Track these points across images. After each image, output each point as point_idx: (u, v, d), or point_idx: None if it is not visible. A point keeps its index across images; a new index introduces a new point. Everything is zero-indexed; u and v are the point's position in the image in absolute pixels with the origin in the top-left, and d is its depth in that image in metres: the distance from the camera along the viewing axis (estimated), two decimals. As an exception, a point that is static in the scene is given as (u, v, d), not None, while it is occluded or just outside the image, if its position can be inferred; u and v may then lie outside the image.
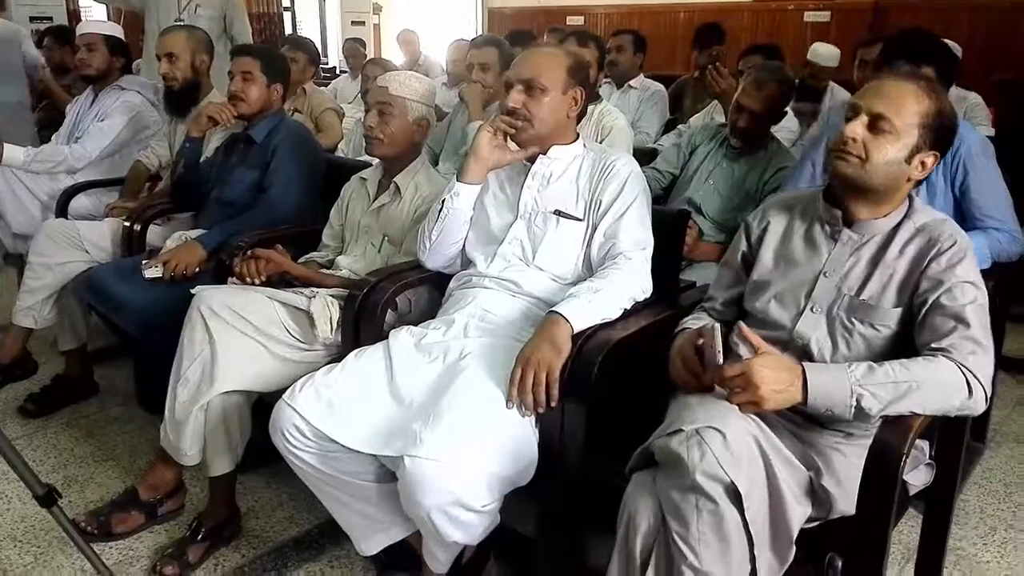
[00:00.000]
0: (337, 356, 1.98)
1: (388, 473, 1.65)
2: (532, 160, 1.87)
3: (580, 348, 1.55)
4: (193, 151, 2.58)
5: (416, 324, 1.86)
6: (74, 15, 7.33)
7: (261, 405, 1.95)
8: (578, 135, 1.91)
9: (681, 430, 1.23)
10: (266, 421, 1.94)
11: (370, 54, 6.59)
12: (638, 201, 1.78)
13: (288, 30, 8.12)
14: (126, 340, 2.49)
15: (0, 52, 4.84)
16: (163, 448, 1.92)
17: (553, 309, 1.60)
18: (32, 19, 6.84)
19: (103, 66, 3.13)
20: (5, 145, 2.99)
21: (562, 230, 1.80)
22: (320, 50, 7.80)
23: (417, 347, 1.72)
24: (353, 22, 8.66)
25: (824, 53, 4.30)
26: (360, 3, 8.81)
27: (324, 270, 2.18)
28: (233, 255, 2.22)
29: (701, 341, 1.38)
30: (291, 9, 8.41)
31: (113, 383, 2.84)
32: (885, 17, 6.70)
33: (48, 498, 1.43)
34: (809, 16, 7.16)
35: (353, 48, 5.80)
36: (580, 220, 1.80)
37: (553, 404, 1.53)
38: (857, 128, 1.37)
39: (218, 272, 2.30)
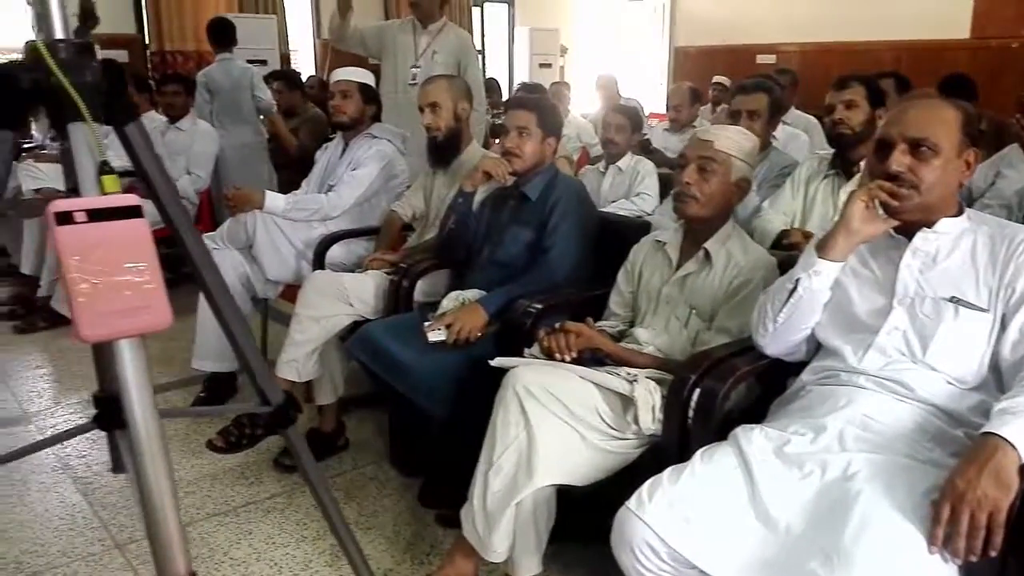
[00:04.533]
0: (650, 447, 1.77)
1: (747, 607, 1.39)
2: (905, 233, 1.58)
3: (1031, 483, 1.23)
4: (465, 206, 2.46)
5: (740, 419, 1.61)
6: (285, 58, 7.75)
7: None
8: (962, 205, 1.60)
9: None
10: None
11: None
12: (1067, 290, 1.44)
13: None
14: (389, 394, 2.37)
15: (232, 94, 5.15)
16: (464, 538, 1.75)
17: (991, 431, 1.28)
18: (249, 62, 7.27)
19: (357, 114, 3.10)
20: (267, 193, 3.02)
21: (962, 322, 1.48)
22: (509, 92, 7.88)
23: (779, 455, 1.45)
24: (541, 64, 8.69)
25: None
26: (548, 45, 8.85)
27: (624, 344, 1.97)
28: (522, 321, 2.06)
29: None
30: (482, 52, 8.55)
31: (361, 437, 2.76)
32: None
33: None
34: (1038, 53, 6.43)
35: (559, 92, 5.72)
36: (985, 311, 1.48)
37: (993, 554, 1.22)
38: None
39: (499, 338, 2.15)
